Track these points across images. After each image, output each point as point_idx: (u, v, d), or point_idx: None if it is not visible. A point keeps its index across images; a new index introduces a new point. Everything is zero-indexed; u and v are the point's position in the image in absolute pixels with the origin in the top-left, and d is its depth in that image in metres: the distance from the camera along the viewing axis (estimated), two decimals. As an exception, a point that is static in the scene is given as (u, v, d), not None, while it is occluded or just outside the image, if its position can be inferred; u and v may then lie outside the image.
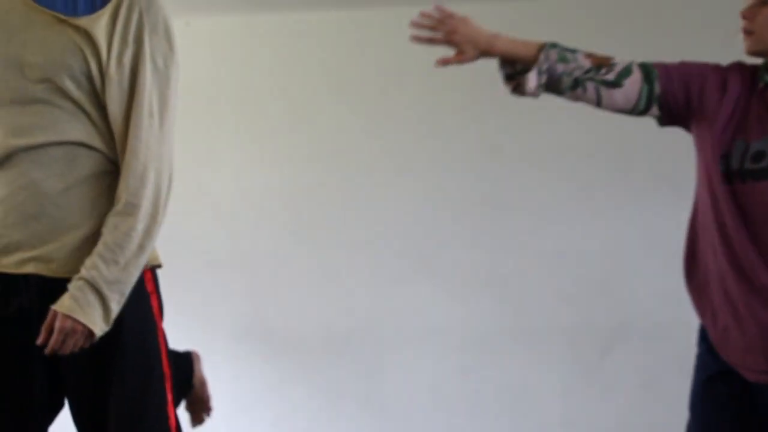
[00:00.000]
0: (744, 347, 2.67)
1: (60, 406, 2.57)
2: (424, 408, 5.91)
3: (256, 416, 5.89)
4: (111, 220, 2.43)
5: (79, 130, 2.47)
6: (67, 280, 2.43)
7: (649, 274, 5.52)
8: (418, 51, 5.98)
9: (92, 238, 2.45)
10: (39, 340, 2.40)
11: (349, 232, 6.03)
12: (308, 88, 6.02)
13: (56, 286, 2.44)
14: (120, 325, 2.46)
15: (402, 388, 5.93)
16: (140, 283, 2.50)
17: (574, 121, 5.67)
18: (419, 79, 6.01)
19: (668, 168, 5.54)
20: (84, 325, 2.39)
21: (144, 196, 2.44)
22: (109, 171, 2.49)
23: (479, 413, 5.87)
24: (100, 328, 2.41)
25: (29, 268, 2.46)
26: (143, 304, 2.53)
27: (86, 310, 2.39)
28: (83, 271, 2.40)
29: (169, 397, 2.53)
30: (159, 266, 2.60)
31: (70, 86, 2.45)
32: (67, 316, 2.38)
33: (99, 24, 2.47)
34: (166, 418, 2.52)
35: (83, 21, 2.47)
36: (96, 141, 2.48)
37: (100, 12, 2.48)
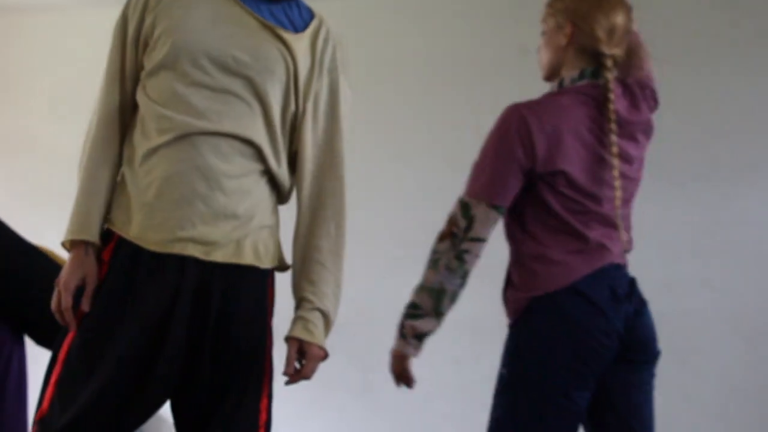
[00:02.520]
0: None
1: (160, 405, 2.59)
2: (417, 397, 5.91)
3: (250, 405, 5.89)
4: (328, 247, 2.71)
5: (258, 131, 2.56)
6: (220, 265, 2.53)
7: (644, 263, 5.50)
8: (414, 42, 6.00)
9: (246, 231, 2.59)
10: (287, 371, 2.63)
11: (343, 221, 6.03)
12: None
13: (208, 269, 2.51)
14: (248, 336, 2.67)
15: (396, 377, 5.93)
16: (266, 290, 2.73)
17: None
18: (415, 70, 6.01)
19: (664, 159, 5.55)
20: (326, 351, 2.65)
21: (346, 223, 2.75)
22: (267, 171, 2.63)
23: (473, 403, 5.86)
24: None
25: (187, 250, 2.50)
26: (266, 315, 2.73)
27: (323, 337, 2.64)
28: (317, 301, 2.65)
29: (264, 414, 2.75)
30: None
31: (266, 90, 2.56)
32: (320, 347, 2.63)
33: (300, 45, 2.64)
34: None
35: (288, 36, 2.60)
36: (266, 145, 2.59)
37: (301, 34, 2.65)
